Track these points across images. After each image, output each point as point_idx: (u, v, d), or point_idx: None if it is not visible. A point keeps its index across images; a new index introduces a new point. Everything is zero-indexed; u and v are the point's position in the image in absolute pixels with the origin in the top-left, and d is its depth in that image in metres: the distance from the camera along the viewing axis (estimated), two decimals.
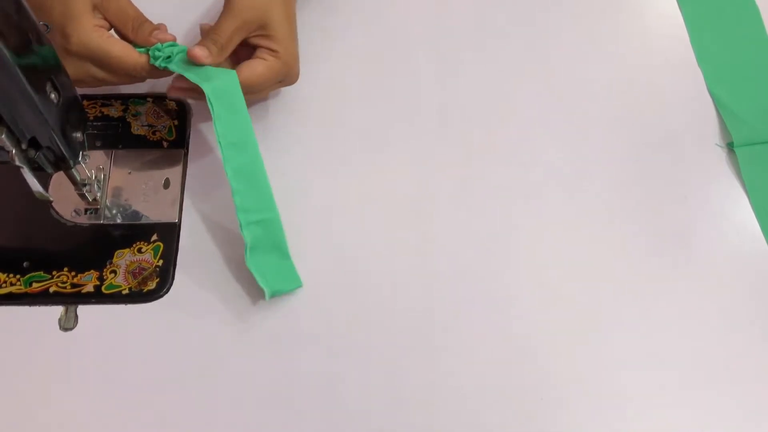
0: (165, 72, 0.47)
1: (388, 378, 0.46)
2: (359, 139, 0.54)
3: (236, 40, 0.48)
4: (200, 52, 0.46)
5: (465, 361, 0.47)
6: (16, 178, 0.41)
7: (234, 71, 0.47)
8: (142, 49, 0.47)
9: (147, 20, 0.48)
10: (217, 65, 0.48)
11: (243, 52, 0.50)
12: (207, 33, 0.48)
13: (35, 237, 0.49)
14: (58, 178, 0.49)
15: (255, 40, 0.49)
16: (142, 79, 0.49)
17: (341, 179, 0.53)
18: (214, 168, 0.52)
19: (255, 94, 0.51)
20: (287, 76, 0.51)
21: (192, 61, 0.46)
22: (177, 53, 0.47)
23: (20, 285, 0.47)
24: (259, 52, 0.49)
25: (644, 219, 0.53)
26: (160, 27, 0.49)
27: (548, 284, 0.50)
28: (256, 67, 0.48)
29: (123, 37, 0.48)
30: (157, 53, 0.46)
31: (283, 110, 0.55)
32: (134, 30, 0.48)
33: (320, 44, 0.58)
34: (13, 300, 0.47)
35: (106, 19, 0.47)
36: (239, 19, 0.47)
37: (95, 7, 0.47)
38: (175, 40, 0.48)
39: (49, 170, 0.42)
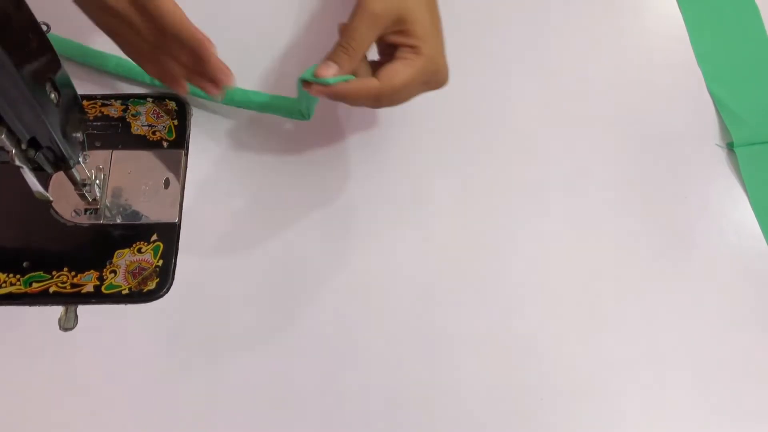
0: None
1: (388, 378, 0.46)
2: (361, 140, 0.54)
3: (369, 40, 0.43)
4: (324, 71, 0.43)
5: (465, 361, 0.47)
6: (16, 178, 0.41)
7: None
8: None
9: None
10: (353, 73, 0.44)
11: (384, 56, 0.45)
12: (339, 38, 0.44)
13: (35, 237, 0.49)
14: (58, 178, 0.49)
15: (392, 38, 0.44)
16: None
17: (340, 182, 0.53)
18: (214, 168, 0.52)
19: (400, 100, 0.46)
20: (433, 75, 0.45)
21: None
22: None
23: (20, 285, 0.47)
24: (399, 52, 0.44)
25: (644, 219, 0.53)
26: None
27: (548, 284, 0.50)
28: (396, 70, 0.44)
29: None
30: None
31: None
32: None
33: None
34: (13, 300, 0.47)
35: None
36: (370, 14, 0.42)
37: None
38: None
39: (49, 170, 0.42)
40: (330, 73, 0.43)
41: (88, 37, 0.55)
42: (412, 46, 0.44)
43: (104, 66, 0.54)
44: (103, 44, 0.53)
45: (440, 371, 0.47)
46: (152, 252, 0.49)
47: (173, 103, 0.54)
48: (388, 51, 0.45)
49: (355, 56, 0.43)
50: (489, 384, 0.47)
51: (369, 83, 0.44)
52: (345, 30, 0.44)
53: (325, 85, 0.43)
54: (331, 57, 0.44)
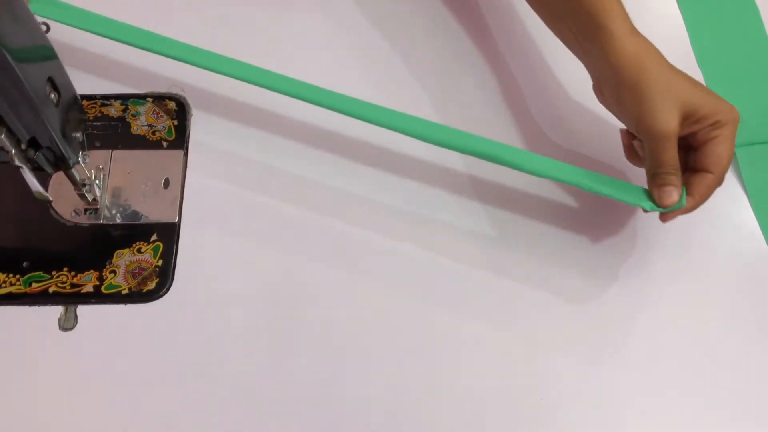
0: None
1: (388, 378, 0.46)
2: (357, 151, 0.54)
3: (676, 150, 0.44)
4: (674, 198, 0.44)
5: (465, 362, 0.47)
6: (16, 178, 0.41)
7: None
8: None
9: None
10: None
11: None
12: (653, 171, 0.45)
13: (35, 237, 0.49)
14: (58, 178, 0.49)
15: (687, 131, 0.45)
16: None
17: (342, 184, 0.53)
18: (214, 168, 0.52)
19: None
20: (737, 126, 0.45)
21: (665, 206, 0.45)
22: (636, 198, 0.46)
23: (20, 285, 0.47)
24: (703, 135, 0.44)
25: (644, 218, 0.53)
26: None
27: (547, 283, 0.50)
28: (719, 153, 0.44)
29: None
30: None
31: None
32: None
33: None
34: (13, 300, 0.47)
35: None
36: (669, 137, 0.43)
37: None
38: None
39: (49, 170, 0.42)
40: (676, 198, 0.44)
41: (88, 38, 0.55)
42: (711, 125, 0.44)
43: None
44: None
45: (440, 372, 0.47)
46: (152, 252, 0.49)
47: (173, 103, 0.54)
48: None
49: (679, 172, 0.45)
50: (488, 385, 0.47)
51: (708, 181, 0.45)
52: (660, 162, 0.44)
53: (680, 208, 0.45)
54: (664, 183, 0.45)
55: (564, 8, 0.48)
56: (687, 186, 0.45)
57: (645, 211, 0.47)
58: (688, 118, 0.44)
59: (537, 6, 0.51)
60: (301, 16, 0.58)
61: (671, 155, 0.44)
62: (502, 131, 0.55)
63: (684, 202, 0.45)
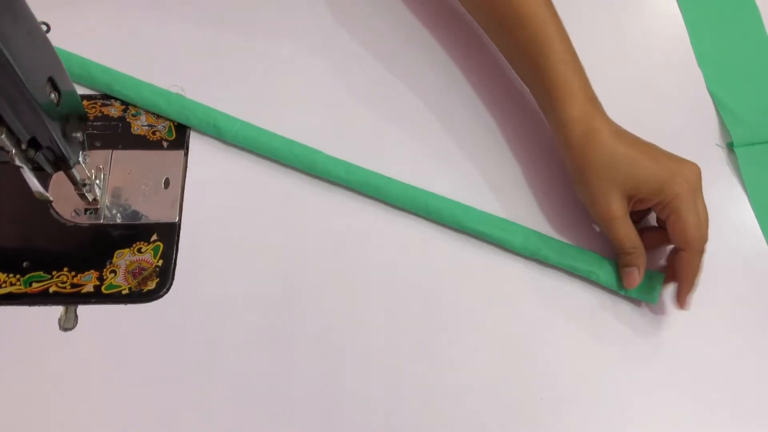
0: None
1: (387, 377, 0.46)
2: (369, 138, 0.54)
3: (633, 227, 0.46)
4: (635, 280, 0.46)
5: (464, 361, 0.47)
6: (16, 178, 0.41)
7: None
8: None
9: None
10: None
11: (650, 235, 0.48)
12: (616, 250, 0.47)
13: (35, 237, 0.49)
14: (58, 178, 0.49)
15: (637, 208, 0.47)
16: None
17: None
18: (214, 168, 0.52)
19: (704, 233, 0.46)
20: (697, 187, 0.46)
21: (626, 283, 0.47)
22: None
23: (20, 285, 0.47)
24: (659, 214, 0.46)
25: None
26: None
27: (547, 282, 0.50)
28: (678, 229, 0.45)
29: None
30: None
31: None
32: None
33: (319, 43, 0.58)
34: (13, 300, 0.47)
35: None
36: (614, 218, 0.45)
37: None
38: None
39: (49, 170, 0.42)
40: (637, 279, 0.46)
41: (88, 38, 0.55)
42: (657, 204, 0.45)
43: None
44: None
45: (439, 371, 0.47)
46: (152, 252, 0.49)
47: None
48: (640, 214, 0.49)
49: (639, 250, 0.46)
50: (488, 384, 0.47)
51: (685, 259, 0.45)
52: (618, 241, 0.46)
53: (656, 300, 0.47)
54: (625, 264, 0.46)
55: (527, 74, 0.50)
56: (670, 269, 0.47)
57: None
58: (632, 197, 0.46)
59: (513, 66, 0.52)
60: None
61: (624, 234, 0.45)
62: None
63: (655, 299, 0.47)
